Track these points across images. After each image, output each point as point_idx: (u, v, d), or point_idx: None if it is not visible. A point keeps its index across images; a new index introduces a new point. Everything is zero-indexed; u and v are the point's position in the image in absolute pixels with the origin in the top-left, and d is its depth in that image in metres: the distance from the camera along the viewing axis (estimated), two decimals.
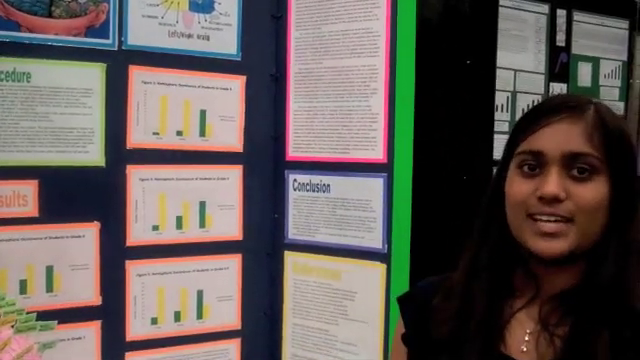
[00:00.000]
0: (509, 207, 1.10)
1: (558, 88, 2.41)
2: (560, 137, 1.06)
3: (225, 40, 2.23)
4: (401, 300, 1.30)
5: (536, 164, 1.07)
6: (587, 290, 1.07)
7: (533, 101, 2.34)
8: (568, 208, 1.04)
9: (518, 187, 1.08)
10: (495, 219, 1.14)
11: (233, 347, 2.28)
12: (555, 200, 1.04)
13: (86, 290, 2.05)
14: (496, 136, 2.19)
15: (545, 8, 2.36)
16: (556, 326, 1.08)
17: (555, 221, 1.05)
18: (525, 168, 1.08)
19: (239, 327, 2.29)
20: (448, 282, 1.20)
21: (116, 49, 2.06)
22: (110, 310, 2.09)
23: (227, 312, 2.27)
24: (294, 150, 2.29)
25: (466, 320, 1.13)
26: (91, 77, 2.03)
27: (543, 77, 2.37)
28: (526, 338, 1.11)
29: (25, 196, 1.95)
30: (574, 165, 1.05)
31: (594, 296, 1.06)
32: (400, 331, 1.25)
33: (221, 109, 2.24)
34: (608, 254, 1.06)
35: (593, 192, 1.04)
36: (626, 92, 2.61)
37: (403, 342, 1.24)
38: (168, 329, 2.17)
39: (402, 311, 1.27)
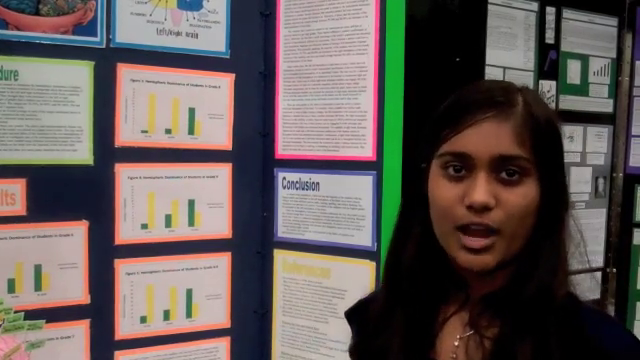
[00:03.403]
0: (435, 213, 1.05)
1: (547, 85, 2.42)
2: (488, 139, 0.99)
3: (214, 38, 2.22)
4: (347, 314, 1.28)
5: (462, 166, 1.01)
6: (516, 291, 1.03)
7: None
8: (497, 217, 0.99)
9: (444, 192, 1.02)
10: (417, 220, 1.09)
11: (223, 345, 2.28)
12: (485, 209, 0.99)
13: (75, 289, 2.04)
14: None
15: (534, 5, 2.36)
16: (486, 329, 1.05)
17: (482, 234, 1.00)
18: (450, 170, 1.02)
19: (228, 325, 2.29)
20: (382, 292, 1.15)
21: (104, 47, 2.05)
22: (99, 309, 2.08)
23: (216, 310, 2.27)
24: (283, 148, 2.29)
25: (392, 331, 1.09)
26: (79, 75, 2.02)
27: (532, 74, 2.37)
28: (456, 343, 1.08)
29: (13, 195, 1.94)
30: (503, 168, 0.99)
31: (523, 297, 1.02)
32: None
33: (210, 107, 2.23)
34: (538, 255, 1.03)
35: (522, 196, 0.99)
36: (615, 90, 2.61)
37: (349, 354, 1.21)
38: (157, 328, 2.17)
39: (349, 324, 1.26)
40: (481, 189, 0.98)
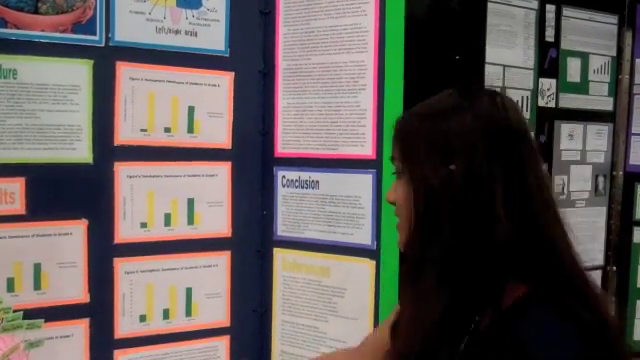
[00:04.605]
0: None
1: (547, 84, 2.42)
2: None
3: (213, 36, 2.22)
4: None
5: None
6: None
7: (522, 97, 2.34)
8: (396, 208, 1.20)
9: None
10: None
11: (222, 344, 2.27)
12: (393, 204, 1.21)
13: (74, 288, 2.04)
14: None
15: (534, 3, 2.36)
16: None
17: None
18: None
19: (228, 324, 2.28)
20: None
21: (103, 45, 2.05)
22: (98, 308, 2.08)
23: (216, 309, 2.27)
24: (283, 146, 2.28)
25: None
26: (78, 73, 2.02)
27: (532, 72, 2.37)
28: None
29: (12, 193, 1.94)
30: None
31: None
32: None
33: (209, 105, 2.23)
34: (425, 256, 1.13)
35: (398, 191, 1.19)
36: (615, 88, 2.61)
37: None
38: (157, 326, 2.17)
39: None
40: (389, 190, 1.23)
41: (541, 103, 2.40)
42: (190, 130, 2.20)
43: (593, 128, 2.59)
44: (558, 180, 2.49)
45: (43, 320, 1.92)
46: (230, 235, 2.29)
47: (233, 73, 2.26)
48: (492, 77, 2.23)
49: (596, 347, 1.04)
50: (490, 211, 1.06)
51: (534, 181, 1.10)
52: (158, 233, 2.17)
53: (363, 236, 2.10)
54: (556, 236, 1.10)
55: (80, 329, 2.05)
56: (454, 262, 1.08)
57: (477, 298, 1.07)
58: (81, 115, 2.02)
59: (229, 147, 2.27)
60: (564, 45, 2.47)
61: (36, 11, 1.95)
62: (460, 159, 1.07)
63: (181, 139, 2.19)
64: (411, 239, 1.14)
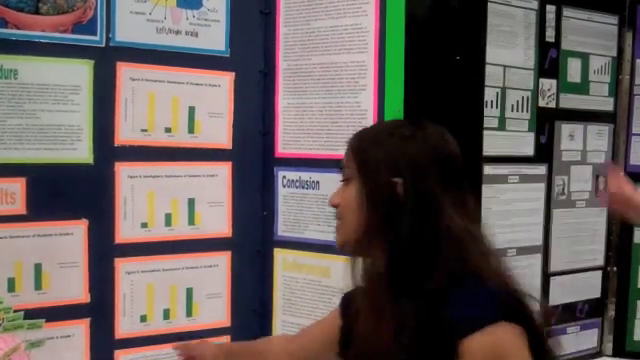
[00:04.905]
0: None
1: (548, 84, 2.41)
2: None
3: (213, 36, 2.22)
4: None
5: None
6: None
7: (523, 97, 2.34)
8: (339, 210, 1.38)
9: None
10: None
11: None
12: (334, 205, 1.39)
13: (75, 288, 2.04)
14: (486, 132, 2.19)
15: (534, 4, 2.35)
16: None
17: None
18: None
19: (229, 324, 2.29)
20: None
21: (104, 45, 2.05)
22: (99, 308, 2.08)
23: (217, 309, 2.27)
24: (283, 147, 2.28)
25: None
26: (79, 74, 2.02)
27: (532, 73, 2.36)
28: None
29: (13, 194, 1.94)
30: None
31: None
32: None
33: (210, 106, 2.23)
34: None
35: (345, 195, 1.36)
36: (615, 88, 2.61)
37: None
38: (157, 327, 2.17)
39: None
40: (334, 193, 1.40)
41: (541, 103, 2.39)
42: (191, 130, 2.20)
43: (593, 128, 2.58)
44: (558, 180, 2.49)
45: (44, 320, 1.92)
46: (230, 235, 2.29)
47: (233, 73, 2.26)
48: (492, 77, 2.23)
49: (509, 311, 1.24)
50: (432, 215, 1.28)
51: (464, 197, 1.35)
52: (159, 233, 2.17)
53: None
54: (470, 236, 1.32)
55: (81, 329, 2.06)
56: (397, 255, 1.29)
57: (416, 284, 1.27)
58: (82, 115, 2.03)
59: (229, 147, 2.27)
60: (564, 45, 2.46)
61: (37, 11, 1.95)
62: (407, 174, 1.29)
63: (181, 139, 2.19)
64: (359, 238, 1.32)
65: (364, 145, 1.36)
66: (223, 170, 2.27)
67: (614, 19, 2.60)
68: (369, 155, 1.33)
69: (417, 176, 1.29)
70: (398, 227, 1.28)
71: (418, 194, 1.29)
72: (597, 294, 2.64)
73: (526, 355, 1.24)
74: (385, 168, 1.31)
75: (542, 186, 2.43)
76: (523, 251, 2.35)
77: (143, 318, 2.15)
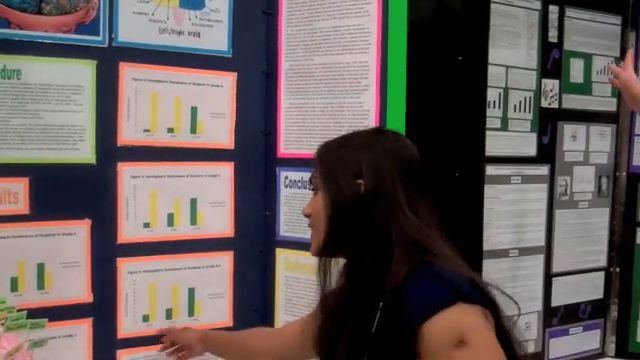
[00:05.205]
0: None
1: (550, 84, 2.41)
2: None
3: (216, 37, 2.22)
4: None
5: None
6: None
7: (525, 97, 2.34)
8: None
9: None
10: None
11: None
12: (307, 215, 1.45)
13: (77, 288, 2.04)
14: (488, 132, 2.19)
15: (537, 4, 2.36)
16: None
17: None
18: None
19: (231, 324, 2.29)
20: None
21: (106, 46, 2.05)
22: (101, 307, 2.08)
23: (219, 309, 2.27)
24: (285, 147, 2.29)
25: None
26: (81, 74, 2.02)
27: (535, 73, 2.37)
28: None
29: (16, 193, 1.94)
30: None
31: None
32: None
33: (212, 106, 2.23)
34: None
35: (314, 204, 1.42)
36: (618, 89, 2.60)
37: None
38: (160, 326, 2.15)
39: None
40: (306, 205, 1.45)
41: (544, 104, 2.40)
42: (193, 130, 2.21)
43: (596, 129, 2.59)
44: (561, 181, 2.49)
45: (47, 319, 1.92)
46: (233, 235, 2.29)
47: (236, 74, 2.26)
48: (495, 78, 2.23)
49: (467, 293, 1.26)
50: (390, 214, 1.32)
51: (423, 198, 1.38)
52: (161, 233, 2.17)
53: None
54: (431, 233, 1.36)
55: (83, 329, 2.06)
56: (358, 255, 1.35)
57: (376, 283, 1.31)
58: (84, 115, 2.03)
59: (232, 147, 2.27)
60: (567, 46, 2.46)
61: (39, 12, 1.95)
62: (368, 176, 1.34)
63: (184, 139, 2.20)
64: (323, 242, 1.39)
65: (327, 155, 1.42)
66: (225, 170, 2.27)
67: (617, 19, 2.60)
68: (331, 163, 1.39)
69: (377, 177, 1.34)
70: (361, 228, 1.33)
71: (378, 193, 1.33)
72: (600, 295, 2.64)
73: (489, 334, 1.25)
74: (348, 172, 1.36)
75: (545, 187, 2.43)
76: (526, 252, 2.35)
77: (145, 318, 2.16)
